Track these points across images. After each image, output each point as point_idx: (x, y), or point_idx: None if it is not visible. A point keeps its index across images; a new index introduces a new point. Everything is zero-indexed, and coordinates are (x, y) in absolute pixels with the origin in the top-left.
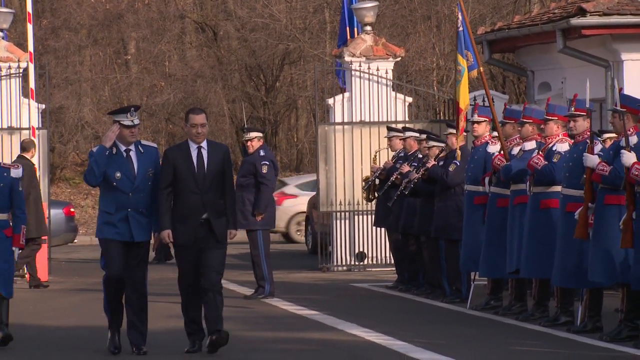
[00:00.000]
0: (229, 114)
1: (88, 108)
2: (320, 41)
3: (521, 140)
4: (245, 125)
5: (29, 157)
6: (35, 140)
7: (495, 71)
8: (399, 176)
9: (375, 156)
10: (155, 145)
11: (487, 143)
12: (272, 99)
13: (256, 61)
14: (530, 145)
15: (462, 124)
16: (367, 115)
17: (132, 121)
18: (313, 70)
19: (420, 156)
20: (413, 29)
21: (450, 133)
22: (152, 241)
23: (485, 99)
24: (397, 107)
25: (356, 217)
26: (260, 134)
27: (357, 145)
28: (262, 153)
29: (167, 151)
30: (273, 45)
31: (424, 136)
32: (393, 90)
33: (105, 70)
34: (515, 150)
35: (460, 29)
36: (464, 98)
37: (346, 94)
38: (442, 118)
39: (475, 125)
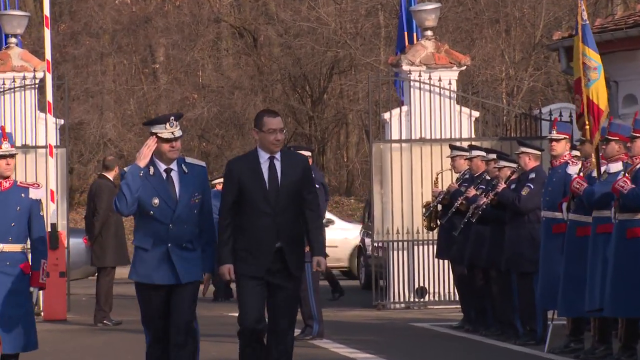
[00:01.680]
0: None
1: (111, 124)
2: (374, 48)
3: (605, 161)
4: (291, 144)
5: (111, 178)
6: (52, 160)
7: (572, 81)
8: (464, 201)
9: (437, 178)
10: (203, 163)
11: (566, 163)
12: (319, 113)
13: (301, 70)
14: (616, 166)
15: (596, 136)
16: (428, 131)
17: (172, 133)
18: (366, 81)
19: (489, 178)
20: (479, 34)
21: (523, 152)
22: (204, 282)
23: (571, 113)
24: (462, 123)
25: (415, 247)
26: (309, 153)
27: (417, 165)
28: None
29: (231, 163)
30: (320, 52)
31: (493, 156)
32: (457, 103)
33: (130, 81)
34: (596, 172)
35: (587, 21)
36: (604, 99)
37: (404, 108)
38: (513, 135)
39: (554, 143)
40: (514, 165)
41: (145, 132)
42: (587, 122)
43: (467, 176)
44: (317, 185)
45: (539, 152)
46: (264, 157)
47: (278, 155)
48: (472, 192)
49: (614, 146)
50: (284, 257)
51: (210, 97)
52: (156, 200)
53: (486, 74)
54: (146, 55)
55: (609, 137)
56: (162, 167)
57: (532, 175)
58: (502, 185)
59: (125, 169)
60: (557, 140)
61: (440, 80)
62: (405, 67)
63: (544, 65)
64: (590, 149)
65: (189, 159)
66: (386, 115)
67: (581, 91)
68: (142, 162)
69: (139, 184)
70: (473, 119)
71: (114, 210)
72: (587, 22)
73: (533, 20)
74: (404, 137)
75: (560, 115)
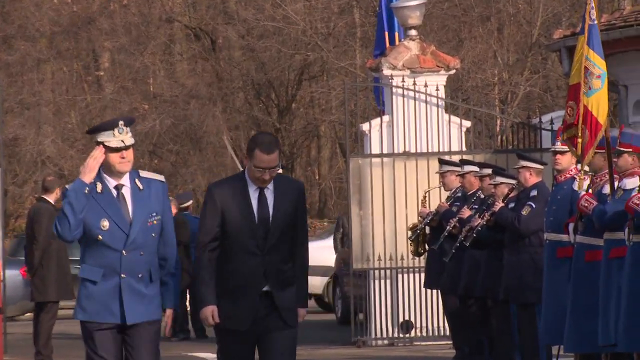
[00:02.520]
0: (231, 145)
1: (50, 139)
2: (348, 50)
3: (618, 176)
4: None
5: (51, 200)
6: None
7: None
8: (457, 223)
9: (425, 197)
10: (161, 178)
11: (572, 179)
12: (286, 125)
13: (266, 76)
14: (633, 182)
15: (590, 151)
16: (413, 144)
17: (122, 141)
18: (340, 88)
19: (483, 197)
20: (468, 33)
21: (523, 167)
22: (165, 320)
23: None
24: (452, 134)
25: (400, 276)
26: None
27: (400, 183)
28: None
29: (213, 188)
30: (288, 55)
31: (488, 171)
32: (446, 112)
33: (71, 91)
34: (607, 189)
35: (595, 21)
36: (604, 110)
37: (385, 118)
38: (509, 147)
39: (558, 156)
40: (513, 181)
41: (90, 147)
42: (579, 135)
43: (458, 194)
44: None
45: (542, 167)
46: (253, 185)
47: (270, 184)
48: (466, 212)
49: (627, 159)
50: (273, 302)
51: (162, 108)
52: (105, 223)
53: (477, 79)
54: (89, 61)
55: (621, 149)
56: (111, 182)
57: (534, 193)
58: (499, 204)
59: (67, 186)
60: (562, 152)
61: (426, 86)
62: (386, 72)
63: (542, 68)
64: (600, 162)
65: (144, 173)
66: (365, 127)
67: (578, 99)
68: (88, 176)
69: (83, 203)
70: (464, 129)
71: (55, 236)
72: (596, 22)
73: (529, 17)
74: (385, 151)
75: (562, 124)
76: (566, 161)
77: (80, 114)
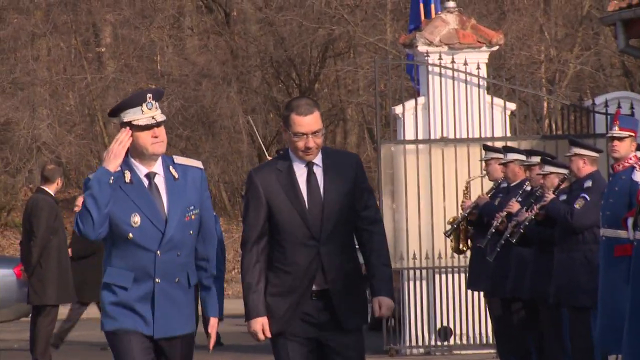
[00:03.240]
0: (247, 130)
1: (46, 123)
2: (378, 24)
3: None
4: (278, 147)
5: (51, 192)
6: None
7: (632, 64)
8: (504, 218)
9: (467, 188)
10: (198, 164)
11: (632, 168)
12: None
13: (286, 53)
14: None
15: None
16: (451, 129)
17: (152, 117)
18: (370, 66)
19: (530, 188)
20: (512, 5)
21: (576, 154)
22: (209, 331)
23: (633, 104)
24: (494, 118)
25: (437, 276)
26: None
27: (438, 172)
28: None
29: (255, 176)
30: (310, 30)
31: (536, 159)
32: (488, 93)
33: (70, 69)
34: None
35: None
36: None
37: (420, 100)
38: (559, 132)
39: (616, 142)
40: (564, 171)
41: (90, 133)
42: None
43: (503, 185)
44: None
45: (597, 155)
46: (299, 164)
47: (318, 158)
48: (515, 205)
49: None
50: (331, 304)
51: (171, 89)
52: (137, 218)
53: (521, 56)
54: (89, 36)
55: None
56: (142, 170)
57: (588, 184)
58: (549, 196)
59: (89, 175)
60: (620, 138)
61: (466, 64)
62: (421, 48)
63: (593, 44)
64: None
65: (179, 159)
66: (397, 109)
67: None
68: (113, 163)
69: (108, 196)
70: (508, 112)
71: (55, 231)
72: None
73: None
74: (420, 137)
75: (619, 106)
76: (625, 148)
77: (80, 95)
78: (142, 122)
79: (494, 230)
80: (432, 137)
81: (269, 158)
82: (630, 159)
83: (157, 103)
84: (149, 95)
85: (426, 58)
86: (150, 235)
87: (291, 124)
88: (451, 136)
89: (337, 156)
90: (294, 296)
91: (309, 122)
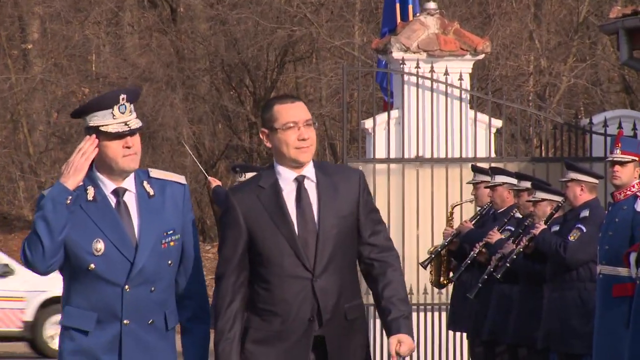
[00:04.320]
0: (193, 141)
1: None
2: (345, 26)
3: None
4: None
5: None
6: None
7: (633, 78)
8: (484, 249)
9: (451, 214)
10: (180, 179)
11: (635, 197)
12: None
13: (239, 56)
14: None
15: None
16: (428, 147)
17: (125, 124)
18: (335, 73)
19: (520, 216)
20: (498, 9)
21: (573, 180)
22: None
23: (635, 123)
24: (478, 136)
25: (415, 314)
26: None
27: (411, 196)
28: None
29: (230, 196)
30: (268, 30)
31: (526, 184)
32: (471, 107)
33: None
34: None
35: None
36: None
37: (393, 113)
38: (551, 155)
39: (617, 167)
40: (558, 198)
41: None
42: None
43: (490, 212)
44: None
45: (596, 181)
46: (286, 179)
47: (310, 171)
48: (495, 235)
49: None
50: (326, 356)
51: None
52: (100, 245)
53: (507, 66)
54: (14, 30)
55: None
56: (109, 186)
57: (585, 213)
58: (540, 227)
59: (44, 192)
60: (622, 163)
61: (447, 73)
62: (396, 55)
63: (590, 55)
64: None
65: (156, 172)
66: (367, 123)
67: None
68: (72, 180)
69: (65, 220)
70: (493, 130)
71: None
72: None
73: None
74: (393, 156)
75: (620, 126)
76: (627, 174)
77: (2, 97)
78: (112, 129)
79: (469, 262)
80: (406, 155)
81: (210, 178)
82: (633, 186)
83: (132, 106)
84: (122, 96)
85: (401, 66)
86: (116, 265)
87: (277, 116)
88: (428, 155)
89: (335, 170)
90: (285, 344)
91: (297, 108)
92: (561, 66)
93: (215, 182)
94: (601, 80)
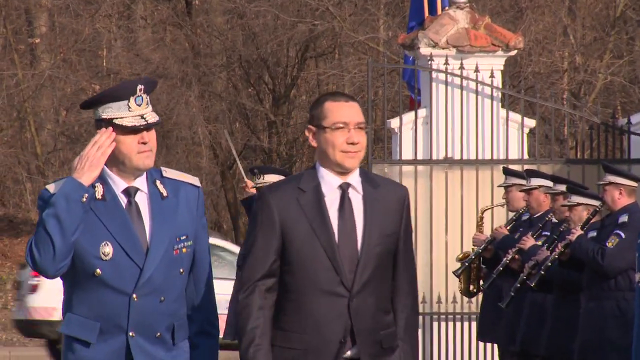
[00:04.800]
0: (209, 141)
1: None
2: (370, 20)
3: None
4: (256, 164)
5: None
6: None
7: None
8: (517, 255)
9: (482, 218)
10: (195, 180)
11: None
12: (284, 118)
13: (258, 52)
14: None
15: None
16: (458, 148)
17: (141, 117)
18: (359, 69)
19: (556, 221)
20: (530, 2)
21: (611, 183)
22: None
23: None
24: (510, 136)
25: (436, 324)
26: (282, 178)
27: (440, 199)
28: None
29: (268, 195)
30: (288, 25)
31: (562, 187)
32: (502, 106)
33: None
34: None
35: None
36: None
37: (421, 112)
38: (586, 156)
39: None
40: (595, 202)
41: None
42: None
43: (525, 217)
44: None
45: (635, 184)
46: (330, 184)
47: (356, 180)
48: (529, 241)
49: None
50: None
51: None
52: (108, 248)
53: (540, 63)
54: (21, 24)
55: None
56: (119, 185)
57: (624, 219)
58: (576, 232)
59: (48, 186)
60: None
61: (477, 70)
62: (423, 51)
63: (627, 52)
64: None
65: (169, 172)
66: (393, 123)
67: None
68: (88, 175)
69: (79, 219)
70: (526, 130)
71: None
72: None
73: None
74: (420, 157)
75: None
76: None
77: (8, 94)
78: (127, 122)
79: (501, 269)
80: (435, 157)
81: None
82: None
83: (148, 98)
84: (140, 86)
85: (429, 62)
86: (124, 272)
87: (327, 114)
88: (457, 157)
89: (382, 184)
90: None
91: (351, 108)
92: (597, 63)
93: (250, 188)
94: (639, 77)
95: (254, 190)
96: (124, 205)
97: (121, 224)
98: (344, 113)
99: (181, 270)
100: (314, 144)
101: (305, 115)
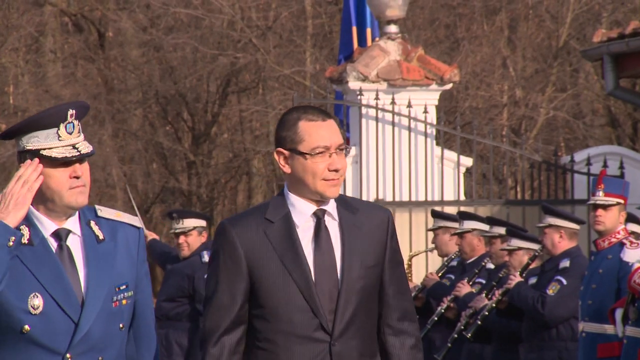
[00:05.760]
0: (124, 183)
1: None
2: (297, 52)
3: None
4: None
5: None
6: None
7: (619, 110)
8: (452, 304)
9: (409, 265)
10: (135, 221)
11: (620, 245)
12: (204, 157)
13: (176, 87)
14: None
15: None
16: (390, 189)
17: (73, 147)
18: (284, 105)
19: (492, 266)
20: (467, 32)
21: (551, 225)
22: None
23: (622, 161)
24: (445, 175)
25: None
26: (203, 223)
27: None
28: (206, 257)
29: (228, 227)
30: (208, 58)
31: (500, 230)
32: (437, 144)
33: None
34: None
35: None
36: None
37: (350, 150)
38: (527, 197)
39: (600, 211)
40: (535, 246)
41: None
42: None
43: (454, 263)
44: None
45: (577, 226)
46: (302, 212)
47: (331, 206)
48: (464, 287)
49: None
50: None
51: None
52: (37, 301)
53: (478, 97)
54: None
55: None
56: (48, 227)
57: (565, 264)
58: (515, 278)
59: None
60: (606, 206)
61: (410, 106)
62: (352, 85)
63: (571, 84)
64: None
65: (105, 211)
66: None
67: None
68: (13, 215)
69: (6, 265)
70: (462, 169)
71: None
72: None
73: (555, 11)
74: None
75: (605, 164)
76: (611, 219)
77: None
78: (57, 154)
79: (436, 319)
80: (365, 198)
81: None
82: (619, 232)
83: (80, 125)
84: (70, 111)
85: (359, 97)
86: (57, 327)
87: (303, 136)
88: (389, 198)
89: (361, 208)
90: None
91: (330, 129)
92: (539, 97)
93: (151, 235)
94: (584, 112)
95: (153, 235)
96: (54, 250)
97: (52, 272)
98: (323, 135)
99: (121, 325)
100: (286, 169)
101: (226, 154)
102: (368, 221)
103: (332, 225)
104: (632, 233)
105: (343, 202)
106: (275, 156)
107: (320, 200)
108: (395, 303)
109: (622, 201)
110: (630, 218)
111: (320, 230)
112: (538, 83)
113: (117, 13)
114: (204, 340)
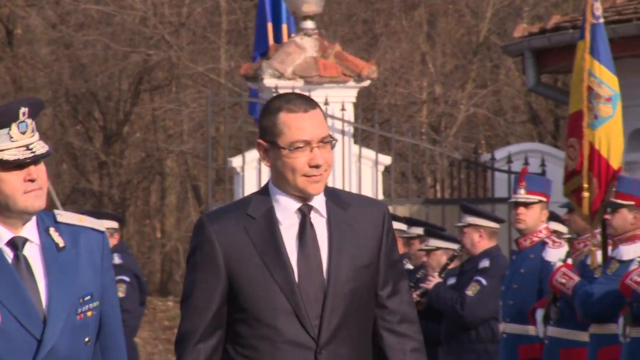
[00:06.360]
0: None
1: None
2: (211, 49)
3: (612, 241)
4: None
5: None
6: None
7: (540, 107)
8: None
9: None
10: (98, 225)
11: (542, 244)
12: (115, 157)
13: (87, 85)
14: (632, 250)
15: (600, 208)
16: None
17: (27, 148)
18: (198, 104)
19: (410, 267)
20: (385, 28)
21: (470, 225)
22: None
23: (544, 159)
24: (363, 174)
25: None
26: (115, 224)
27: None
28: (117, 260)
29: (207, 223)
30: (120, 55)
31: (418, 230)
32: (355, 142)
33: None
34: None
35: (601, 19)
36: (617, 151)
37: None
38: (447, 196)
39: (521, 209)
40: (454, 246)
41: None
42: (585, 186)
43: None
44: (126, 278)
45: (497, 225)
46: (286, 208)
47: (319, 201)
48: None
49: (627, 216)
50: None
51: None
52: None
53: (396, 94)
54: None
55: (617, 202)
56: (2, 236)
57: (485, 264)
58: (433, 279)
59: None
60: (527, 204)
61: (327, 103)
62: (268, 82)
63: (491, 81)
64: (585, 220)
65: (65, 215)
66: (235, 162)
67: (581, 134)
68: None
69: None
70: (381, 168)
71: None
72: (602, 20)
73: (475, 6)
74: None
75: (526, 162)
76: (532, 217)
77: None
78: (9, 156)
79: None
80: None
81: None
82: (540, 231)
83: (34, 124)
84: (22, 110)
85: (275, 95)
86: (17, 345)
87: (282, 128)
88: None
89: (354, 203)
90: None
91: (313, 120)
92: (458, 93)
93: None
94: (505, 109)
95: None
96: (10, 261)
97: (9, 285)
98: (304, 128)
99: (87, 339)
100: (266, 163)
101: (139, 154)
102: (361, 217)
103: (319, 223)
104: (554, 232)
105: (334, 196)
106: (257, 148)
107: (306, 195)
108: (392, 304)
109: (544, 199)
110: (553, 217)
111: (305, 228)
112: (458, 79)
113: (26, 9)
114: (180, 345)
